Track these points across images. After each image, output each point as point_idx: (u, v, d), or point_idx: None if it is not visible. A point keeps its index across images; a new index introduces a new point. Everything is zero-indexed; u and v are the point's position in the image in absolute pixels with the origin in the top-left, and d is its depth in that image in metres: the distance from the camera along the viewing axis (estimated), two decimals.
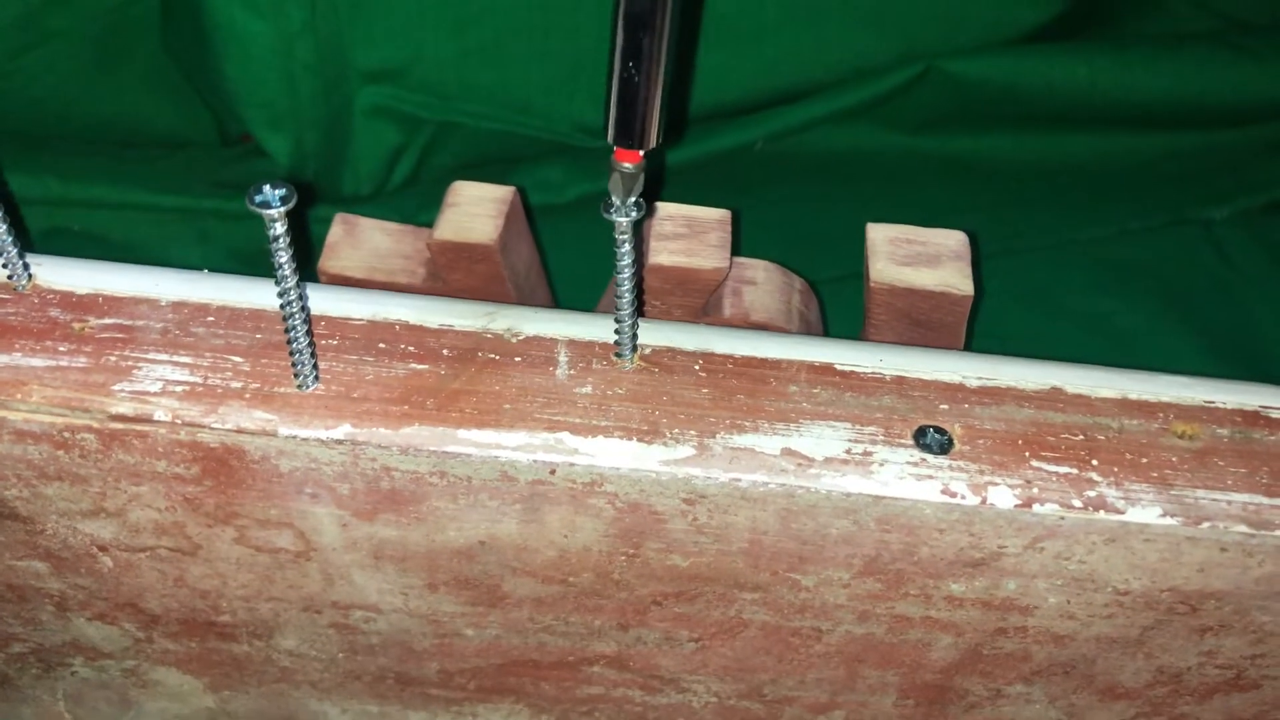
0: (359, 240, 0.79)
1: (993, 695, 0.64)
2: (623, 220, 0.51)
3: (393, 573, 0.60)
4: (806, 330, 0.78)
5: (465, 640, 0.64)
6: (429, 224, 0.89)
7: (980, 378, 0.58)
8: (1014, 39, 1.11)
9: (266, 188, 0.46)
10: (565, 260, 0.97)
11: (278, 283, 0.49)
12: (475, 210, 0.75)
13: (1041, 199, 1.11)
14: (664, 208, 0.74)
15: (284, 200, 0.46)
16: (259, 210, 0.46)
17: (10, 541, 0.60)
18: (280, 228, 0.47)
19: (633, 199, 0.51)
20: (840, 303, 0.90)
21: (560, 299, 0.93)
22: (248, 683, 0.70)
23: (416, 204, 1.06)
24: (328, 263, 0.78)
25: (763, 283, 0.77)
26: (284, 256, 0.48)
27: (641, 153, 0.50)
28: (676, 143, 1.10)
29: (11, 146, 1.05)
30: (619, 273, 0.53)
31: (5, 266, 0.57)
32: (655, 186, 1.07)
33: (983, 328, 0.87)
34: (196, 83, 1.06)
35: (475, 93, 1.09)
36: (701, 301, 0.75)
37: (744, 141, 1.13)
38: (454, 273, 0.76)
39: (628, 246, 0.52)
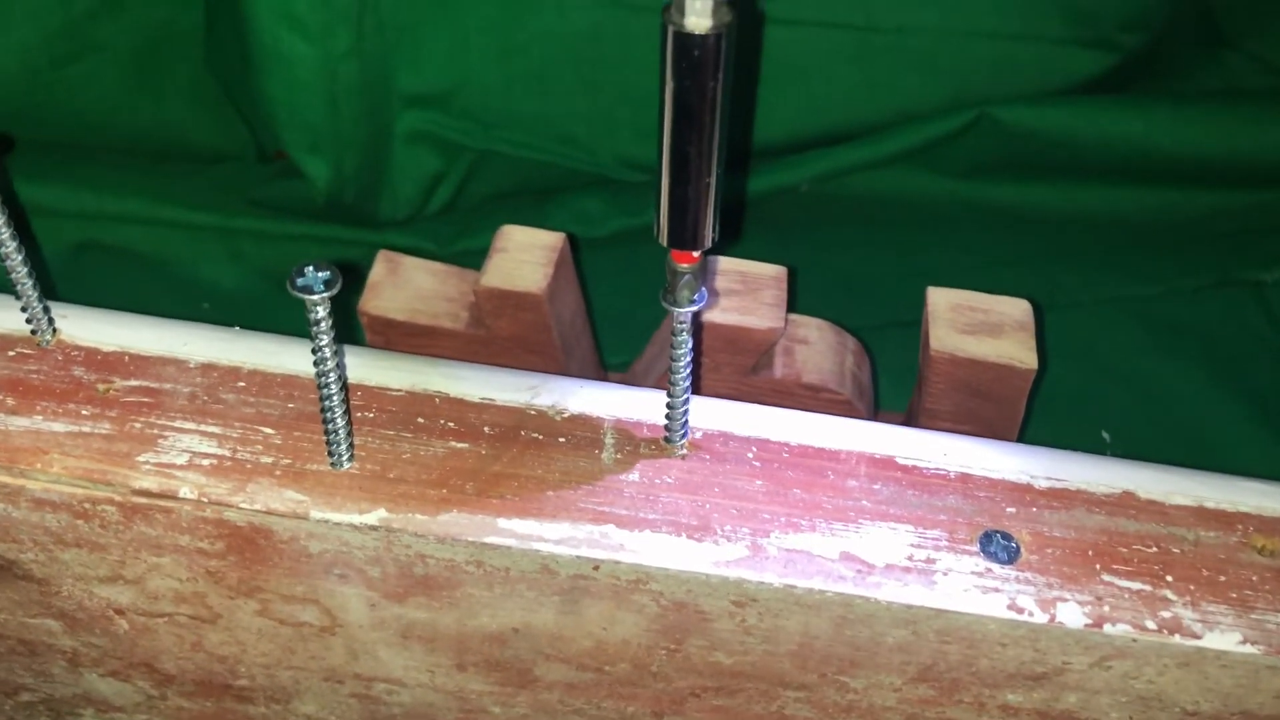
0: (401, 280, 0.76)
1: None
2: (683, 311, 0.48)
3: (420, 652, 0.57)
4: (859, 392, 0.75)
5: (491, 717, 0.62)
6: (465, 252, 0.86)
7: (1049, 478, 0.55)
8: (1068, 89, 1.08)
9: (309, 270, 0.43)
10: (602, 295, 0.94)
11: (316, 364, 0.47)
12: (524, 257, 0.72)
13: (1088, 253, 1.08)
14: (718, 261, 0.72)
15: (328, 285, 0.43)
16: (300, 295, 0.43)
17: (24, 600, 0.58)
18: (322, 311, 0.44)
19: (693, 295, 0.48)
20: (883, 352, 0.87)
21: (600, 334, 0.90)
22: None
23: (454, 231, 1.03)
24: (369, 303, 0.75)
25: (815, 342, 0.75)
26: (325, 339, 0.45)
27: (697, 254, 0.47)
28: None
29: (48, 157, 1.03)
30: (675, 360, 0.50)
31: (29, 321, 0.54)
32: None
33: None
34: (237, 101, 1.04)
35: (518, 121, 1.06)
36: (753, 360, 0.72)
37: (788, 183, 1.10)
38: (499, 319, 0.74)
39: (685, 336, 0.50)
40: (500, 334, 0.75)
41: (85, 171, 1.03)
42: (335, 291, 0.44)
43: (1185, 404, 0.97)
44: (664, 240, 0.45)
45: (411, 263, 0.77)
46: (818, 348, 0.75)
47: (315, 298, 0.43)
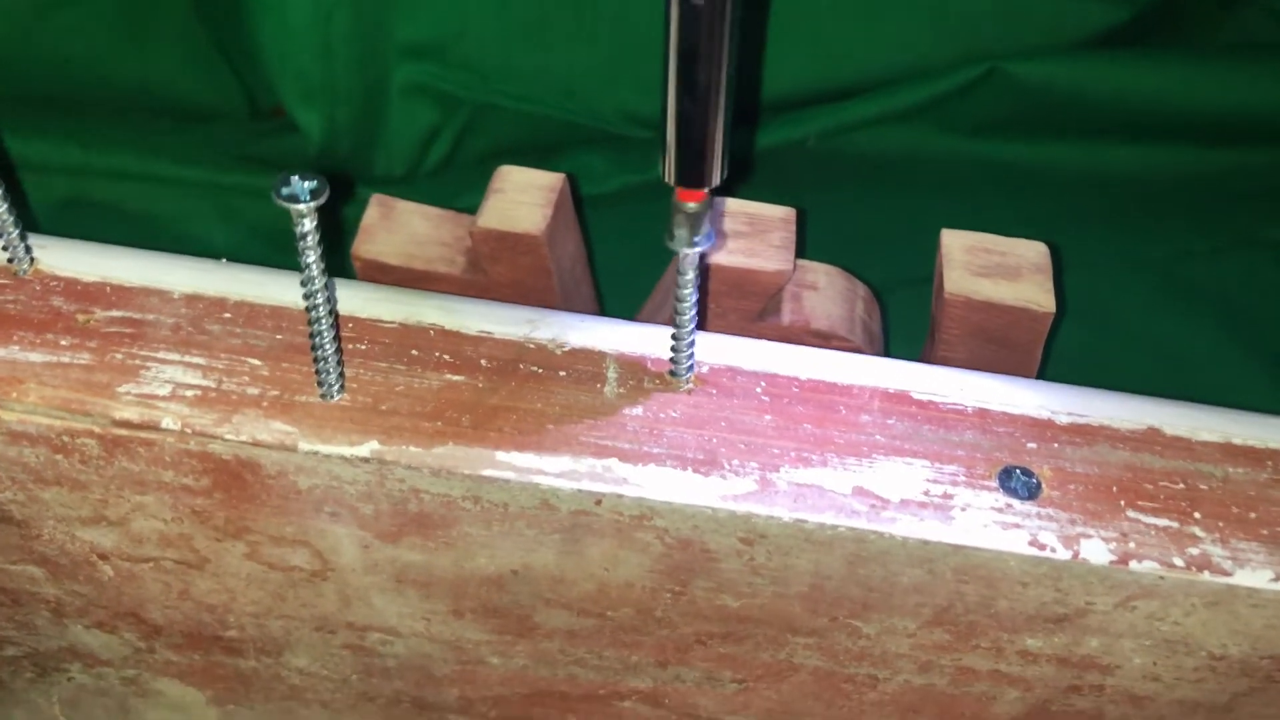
0: (396, 224, 0.74)
1: None
2: (689, 253, 0.46)
3: (415, 598, 0.55)
4: (869, 340, 0.73)
5: (489, 668, 0.60)
6: (465, 208, 0.83)
7: (1070, 413, 0.52)
8: (1081, 42, 1.06)
9: (295, 179, 0.41)
10: (606, 253, 0.92)
11: (304, 284, 0.44)
12: (522, 198, 0.70)
13: (1102, 212, 1.06)
14: (724, 203, 0.69)
15: (314, 194, 0.41)
16: (286, 204, 0.41)
17: (4, 545, 0.56)
18: (309, 224, 0.42)
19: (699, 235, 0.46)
20: (892, 310, 0.85)
21: (602, 294, 0.88)
22: (254, 698, 0.65)
23: (451, 188, 1.01)
24: (362, 247, 0.73)
25: (825, 288, 0.72)
26: (312, 256, 0.43)
27: (705, 191, 0.44)
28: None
29: (33, 111, 1.01)
30: (679, 300, 0.48)
31: (6, 249, 0.52)
32: None
33: None
34: (228, 51, 1.01)
35: (517, 74, 1.04)
36: (759, 305, 0.70)
37: (794, 137, 1.07)
38: (496, 264, 0.71)
39: (691, 274, 0.47)
40: (498, 279, 0.72)
41: (73, 125, 1.00)
42: (322, 201, 0.41)
43: (1203, 366, 0.96)
44: (669, 177, 0.43)
45: (406, 207, 0.75)
46: (827, 293, 0.72)
47: (301, 207, 0.41)
